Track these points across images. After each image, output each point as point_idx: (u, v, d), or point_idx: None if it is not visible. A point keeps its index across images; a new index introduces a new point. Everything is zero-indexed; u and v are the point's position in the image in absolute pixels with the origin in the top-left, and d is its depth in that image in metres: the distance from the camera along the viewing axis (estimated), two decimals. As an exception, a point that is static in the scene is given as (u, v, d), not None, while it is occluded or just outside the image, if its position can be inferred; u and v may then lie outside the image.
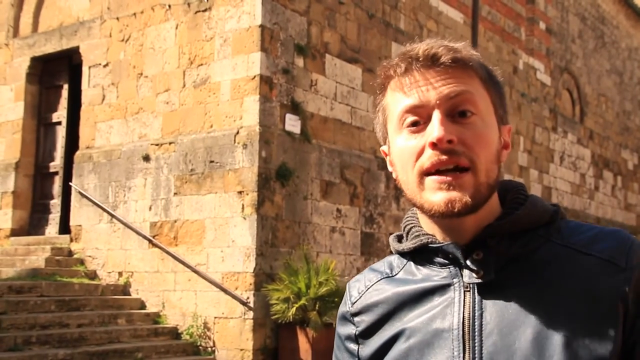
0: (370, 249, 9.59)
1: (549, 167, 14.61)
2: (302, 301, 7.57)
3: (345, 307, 1.22)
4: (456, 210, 1.04)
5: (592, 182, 16.66)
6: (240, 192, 8.18)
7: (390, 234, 9.85)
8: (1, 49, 11.19)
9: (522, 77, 13.86)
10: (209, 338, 8.23)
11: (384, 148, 1.19)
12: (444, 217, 1.06)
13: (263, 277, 8.01)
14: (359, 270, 9.33)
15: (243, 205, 8.13)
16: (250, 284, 7.95)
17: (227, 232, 8.22)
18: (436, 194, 1.05)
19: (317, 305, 7.66)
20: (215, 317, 8.22)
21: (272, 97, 8.45)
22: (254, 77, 8.33)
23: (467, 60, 1.08)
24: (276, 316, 7.71)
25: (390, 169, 1.16)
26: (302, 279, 7.68)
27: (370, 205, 9.68)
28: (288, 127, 8.59)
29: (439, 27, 11.47)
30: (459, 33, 11.75)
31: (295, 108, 8.73)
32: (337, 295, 7.84)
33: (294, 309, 7.55)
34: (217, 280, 8.18)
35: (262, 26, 8.38)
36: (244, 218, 8.08)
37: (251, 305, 7.90)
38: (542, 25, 14.78)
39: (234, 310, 8.06)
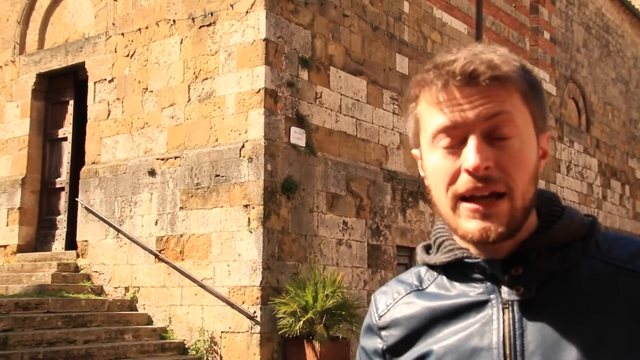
0: (377, 261, 9.54)
1: (556, 177, 14.55)
2: (309, 315, 7.53)
3: (371, 320, 1.19)
4: (491, 239, 1.01)
5: (600, 192, 16.58)
6: (246, 206, 8.16)
7: (397, 246, 9.84)
8: (7, 65, 11.25)
9: (528, 87, 13.83)
10: (216, 353, 8.19)
11: (415, 152, 1.15)
12: (478, 244, 1.04)
13: (270, 291, 7.97)
14: (366, 283, 9.29)
15: (249, 218, 8.11)
16: (257, 298, 7.92)
17: (233, 246, 8.20)
18: (470, 222, 1.02)
19: (324, 319, 7.61)
20: (222, 332, 8.18)
21: (277, 111, 8.45)
22: (259, 90, 8.34)
23: (507, 77, 1.02)
24: (283, 330, 7.67)
25: (421, 173, 1.13)
26: (309, 292, 7.63)
27: (377, 217, 9.64)
28: (293, 140, 8.58)
29: (443, 39, 11.48)
30: (463, 44, 11.73)
31: (300, 121, 8.73)
32: (344, 308, 7.80)
33: (301, 322, 7.51)
34: (223, 295, 8.15)
35: (266, 40, 8.39)
36: (250, 232, 8.06)
37: (258, 319, 7.86)
38: (547, 35, 14.77)
39: (241, 324, 8.02)
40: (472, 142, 1.01)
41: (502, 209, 1.01)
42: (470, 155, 1.00)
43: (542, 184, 13.72)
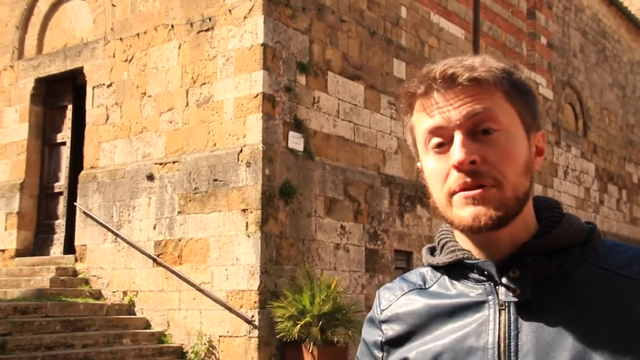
0: (375, 265, 9.57)
1: (553, 182, 14.59)
2: (307, 319, 7.55)
3: (374, 313, 1.22)
4: (482, 223, 1.04)
5: (597, 196, 16.62)
6: (244, 210, 8.19)
7: (394, 250, 9.87)
8: (6, 70, 11.28)
9: (525, 92, 13.87)
10: (215, 357, 8.21)
11: (419, 164, 1.19)
12: (472, 231, 1.06)
13: (267, 295, 7.99)
14: (363, 287, 9.31)
15: (247, 223, 8.13)
16: (255, 302, 7.94)
17: (231, 250, 8.23)
18: (464, 210, 1.05)
19: (321, 323, 7.63)
20: (220, 336, 8.20)
21: (274, 115, 8.48)
22: (257, 95, 8.37)
23: (486, 77, 1.07)
24: (281, 334, 7.69)
25: (425, 183, 1.17)
26: (306, 297, 7.66)
27: (374, 221, 9.67)
28: (291, 145, 8.61)
29: (440, 44, 11.53)
30: (460, 49, 11.79)
31: (298, 125, 8.76)
32: (341, 312, 7.82)
33: (299, 326, 7.53)
34: (221, 299, 8.17)
35: (264, 45, 8.43)
36: (248, 236, 8.09)
37: (256, 323, 7.88)
38: (544, 40, 14.83)
39: (239, 328, 8.04)
40: (457, 139, 1.06)
41: (491, 194, 1.04)
42: (456, 151, 1.05)
43: (539, 189, 13.78)
